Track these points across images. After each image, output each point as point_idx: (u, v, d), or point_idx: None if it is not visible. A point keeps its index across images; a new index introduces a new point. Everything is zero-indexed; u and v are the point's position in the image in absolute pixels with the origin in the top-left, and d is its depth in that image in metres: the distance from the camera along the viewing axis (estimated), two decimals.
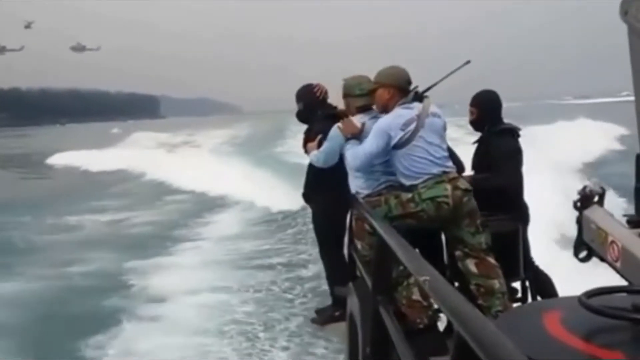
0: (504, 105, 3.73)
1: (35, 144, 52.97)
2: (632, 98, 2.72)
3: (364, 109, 3.30)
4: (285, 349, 6.28)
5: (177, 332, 6.83)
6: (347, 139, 3.16)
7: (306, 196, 4.14)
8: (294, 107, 4.17)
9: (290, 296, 7.91)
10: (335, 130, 3.30)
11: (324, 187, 3.91)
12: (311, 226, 4.27)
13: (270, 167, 18.37)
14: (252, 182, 15.88)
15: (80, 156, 30.56)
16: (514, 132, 3.64)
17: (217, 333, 6.78)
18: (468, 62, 3.31)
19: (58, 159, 32.21)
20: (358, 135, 3.14)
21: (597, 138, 21.09)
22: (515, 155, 3.56)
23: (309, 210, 4.30)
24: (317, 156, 3.53)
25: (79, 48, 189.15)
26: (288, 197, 11.24)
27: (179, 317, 7.22)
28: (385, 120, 3.04)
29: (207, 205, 15.26)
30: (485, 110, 3.63)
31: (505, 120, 3.69)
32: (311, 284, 7.99)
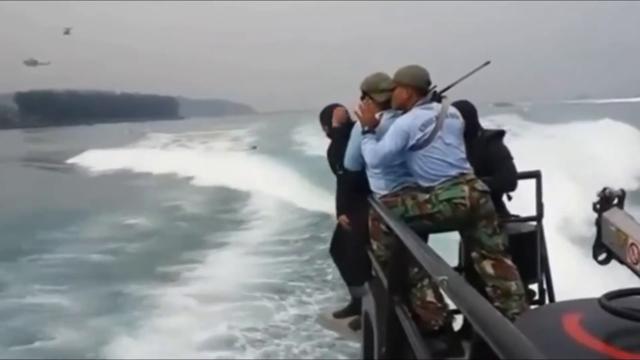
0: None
1: (70, 142, 58.26)
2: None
3: (386, 106, 3.22)
4: None
5: None
6: (364, 132, 3.10)
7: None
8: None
9: None
10: (356, 130, 3.21)
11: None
12: None
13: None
14: None
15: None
16: (502, 135, 3.67)
17: None
18: (488, 62, 3.27)
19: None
20: (374, 129, 3.09)
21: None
22: (511, 157, 3.58)
23: None
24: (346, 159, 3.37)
25: (31, 62, 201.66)
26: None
27: None
28: (404, 119, 2.99)
29: None
30: (469, 122, 3.64)
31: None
32: None
